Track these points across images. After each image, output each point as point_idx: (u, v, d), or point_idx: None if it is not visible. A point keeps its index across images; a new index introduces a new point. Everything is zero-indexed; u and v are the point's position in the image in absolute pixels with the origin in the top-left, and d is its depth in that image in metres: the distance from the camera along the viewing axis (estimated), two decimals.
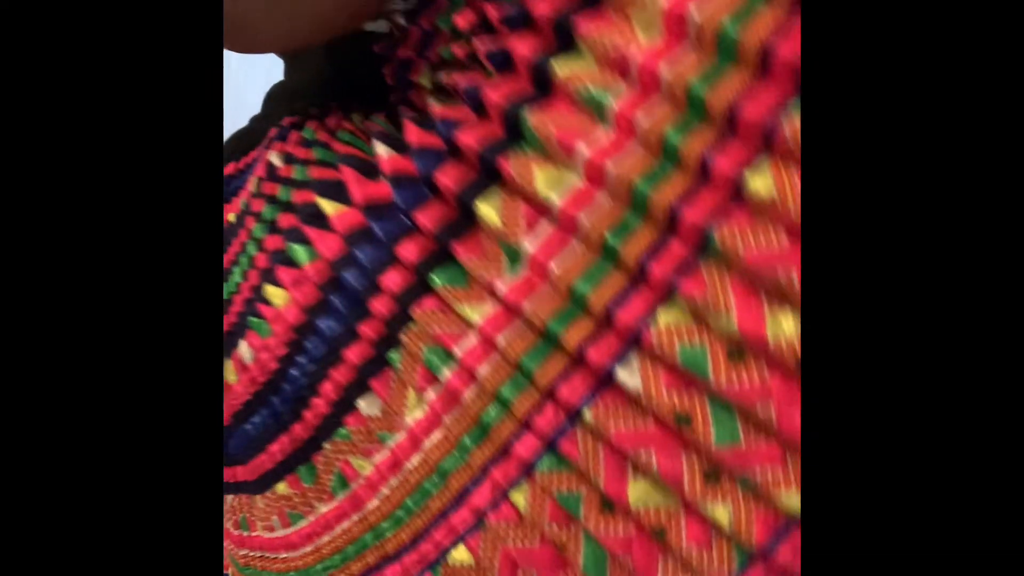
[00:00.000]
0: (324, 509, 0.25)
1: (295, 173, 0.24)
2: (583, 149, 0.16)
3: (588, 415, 0.17)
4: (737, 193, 0.15)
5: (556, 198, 0.17)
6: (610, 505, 0.18)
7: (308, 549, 0.25)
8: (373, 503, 0.24)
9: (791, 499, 0.15)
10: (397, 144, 0.21)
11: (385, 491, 0.23)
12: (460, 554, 0.22)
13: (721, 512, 0.16)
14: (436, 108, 0.19)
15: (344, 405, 0.24)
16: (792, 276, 0.14)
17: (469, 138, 0.18)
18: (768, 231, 0.15)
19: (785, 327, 0.15)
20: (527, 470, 0.19)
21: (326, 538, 0.25)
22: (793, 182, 0.14)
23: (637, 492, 0.17)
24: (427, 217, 0.19)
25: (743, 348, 0.16)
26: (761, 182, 0.14)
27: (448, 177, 0.18)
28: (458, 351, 0.19)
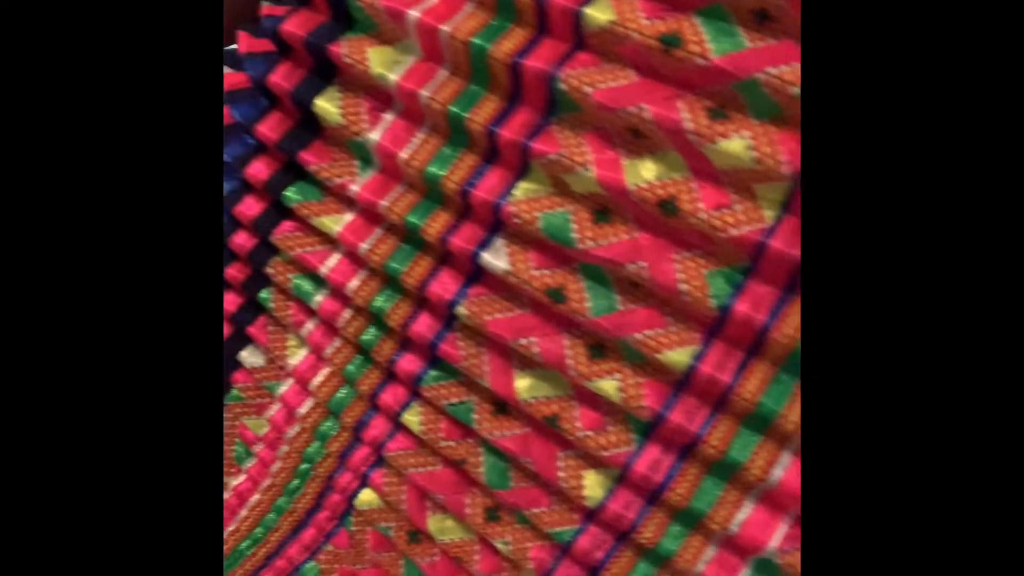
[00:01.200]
0: (235, 483, 0.23)
1: None
2: (413, 14, 0.15)
3: (462, 311, 0.16)
4: (580, 41, 0.14)
5: (393, 76, 0.15)
6: (501, 406, 0.17)
7: (230, 530, 0.23)
8: (276, 464, 0.22)
9: (674, 357, 0.14)
10: (234, 61, 0.19)
11: (285, 448, 0.22)
12: (367, 496, 0.20)
13: (609, 386, 0.15)
14: (263, 7, 0.17)
15: (228, 363, 0.22)
16: (645, 112, 0.13)
17: (294, 26, 0.16)
18: (615, 69, 0.14)
19: (644, 173, 0.14)
20: (414, 387, 0.18)
21: (243, 512, 0.23)
22: (634, 7, 0.13)
23: (524, 384, 0.16)
24: (268, 128, 0.17)
25: (606, 208, 0.14)
26: (600, 13, 0.13)
27: (281, 77, 0.17)
28: (324, 270, 0.18)
